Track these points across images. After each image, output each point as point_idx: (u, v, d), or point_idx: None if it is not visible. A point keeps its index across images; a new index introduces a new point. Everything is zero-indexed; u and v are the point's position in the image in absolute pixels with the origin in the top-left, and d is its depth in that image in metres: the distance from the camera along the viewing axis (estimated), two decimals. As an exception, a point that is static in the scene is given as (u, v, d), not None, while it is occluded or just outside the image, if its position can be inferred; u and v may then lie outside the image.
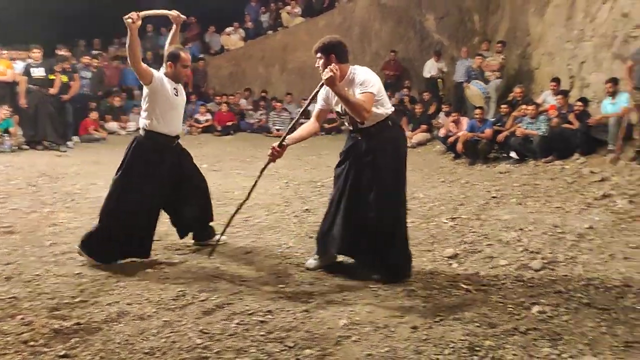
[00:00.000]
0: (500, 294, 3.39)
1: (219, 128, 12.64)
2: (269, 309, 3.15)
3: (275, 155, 3.81)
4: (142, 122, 3.96)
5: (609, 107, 7.26)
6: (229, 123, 12.84)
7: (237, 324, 2.95)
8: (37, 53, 9.77)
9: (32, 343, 2.68)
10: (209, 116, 13.04)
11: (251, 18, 15.77)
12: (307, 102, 3.88)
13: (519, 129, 7.92)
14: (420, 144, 10.24)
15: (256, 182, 3.99)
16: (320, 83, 3.54)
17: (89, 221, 4.98)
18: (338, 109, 3.71)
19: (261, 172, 3.96)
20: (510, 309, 3.16)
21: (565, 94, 8.14)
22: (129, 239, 3.86)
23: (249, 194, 4.03)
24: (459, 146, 8.45)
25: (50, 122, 9.77)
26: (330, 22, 14.00)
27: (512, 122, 8.46)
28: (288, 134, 3.84)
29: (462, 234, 4.69)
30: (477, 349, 2.69)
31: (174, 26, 4.22)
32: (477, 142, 8.28)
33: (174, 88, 3.94)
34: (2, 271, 3.65)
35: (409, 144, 10.05)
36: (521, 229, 4.71)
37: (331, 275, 3.73)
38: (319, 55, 3.62)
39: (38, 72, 9.69)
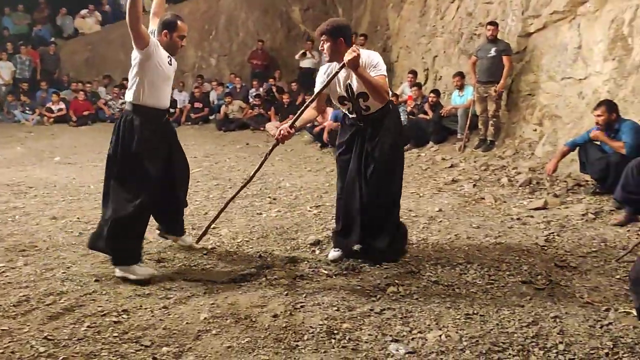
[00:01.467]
0: (359, 277, 3.54)
1: (74, 118, 11.77)
2: (124, 308, 3.00)
3: (285, 137, 3.57)
4: (130, 94, 3.50)
5: (457, 99, 7.88)
6: (86, 112, 12.03)
7: (88, 327, 2.77)
8: None
9: None
10: (62, 105, 12.10)
11: (109, 1, 14.83)
12: (323, 84, 3.57)
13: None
14: (288, 133, 10.34)
15: (261, 164, 3.79)
16: (340, 65, 3.40)
17: None
18: (342, 92, 3.60)
19: (267, 154, 3.76)
20: (368, 291, 3.30)
21: (419, 86, 8.68)
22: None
23: (252, 177, 3.89)
24: (325, 136, 8.67)
25: None
26: (195, 9, 13.62)
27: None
28: (298, 116, 3.62)
29: (326, 221, 4.82)
30: (335, 332, 2.78)
31: None
32: (341, 131, 8.54)
33: (168, 56, 3.53)
34: None
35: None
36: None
37: (193, 269, 3.65)
38: (324, 37, 3.49)
39: None
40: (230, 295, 3.22)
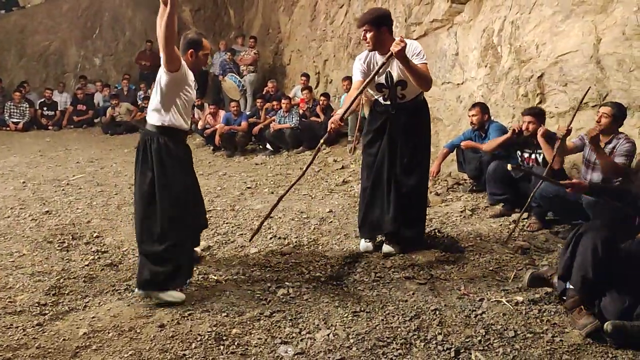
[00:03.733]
0: (249, 281, 3.52)
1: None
2: (-9, 328, 2.76)
3: (336, 129, 3.62)
4: (157, 117, 3.26)
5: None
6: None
7: (-52, 352, 2.52)
8: None
9: None
10: None
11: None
12: (371, 76, 3.50)
13: (273, 124, 8.32)
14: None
15: (314, 158, 3.78)
16: (388, 55, 3.37)
17: None
18: (382, 80, 3.62)
19: (318, 148, 3.72)
20: (258, 294, 3.29)
21: (310, 89, 8.81)
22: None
23: (304, 171, 3.79)
24: (217, 139, 8.54)
25: None
26: (76, 5, 12.87)
27: (265, 115, 8.86)
28: (348, 108, 3.58)
29: (217, 225, 4.74)
30: (224, 338, 2.75)
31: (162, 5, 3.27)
32: (234, 134, 8.47)
33: (192, 80, 3.34)
34: None
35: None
36: (271, 217, 4.95)
37: (73, 282, 3.43)
38: (365, 27, 3.46)
39: None
40: (114, 307, 3.07)
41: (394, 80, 3.67)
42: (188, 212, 3.34)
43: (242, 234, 4.50)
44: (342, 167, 6.85)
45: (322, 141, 3.71)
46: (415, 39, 7.08)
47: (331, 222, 4.79)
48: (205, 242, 4.24)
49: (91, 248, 4.11)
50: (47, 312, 2.99)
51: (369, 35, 3.54)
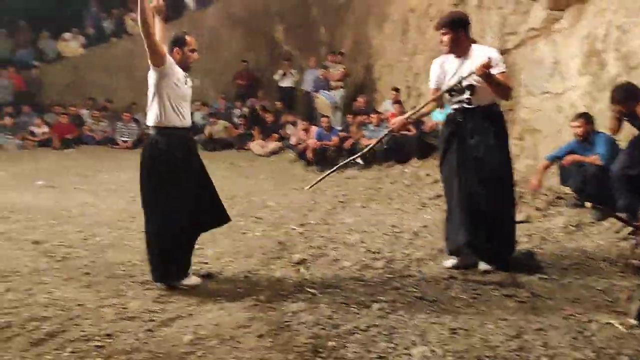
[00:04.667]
0: (344, 295, 3.54)
1: (57, 141, 11.70)
2: (108, 332, 2.97)
3: (400, 127, 3.79)
4: (152, 117, 3.50)
5: (439, 115, 7.96)
6: (69, 135, 11.95)
7: (71, 352, 2.74)
8: None
9: None
10: (46, 128, 12.04)
11: (92, 24, 14.84)
12: (451, 85, 3.60)
13: (363, 140, 8.36)
14: (273, 152, 10.38)
15: (377, 142, 4.00)
16: (469, 72, 3.44)
17: None
18: (451, 83, 3.62)
19: (380, 139, 4.14)
20: (353, 308, 3.31)
21: (400, 103, 8.78)
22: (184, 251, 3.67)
23: (368, 150, 4.14)
24: (309, 154, 8.72)
25: None
26: (178, 30, 13.63)
27: (357, 129, 8.93)
28: (418, 110, 3.75)
29: (310, 239, 4.83)
30: (320, 350, 2.78)
31: (157, 17, 3.73)
32: (325, 149, 8.61)
33: (185, 75, 3.56)
34: None
35: (261, 153, 10.23)
36: (364, 231, 4.97)
37: (178, 290, 3.63)
38: (444, 30, 3.48)
39: None
40: (216, 317, 3.20)
41: (463, 84, 3.61)
42: (182, 210, 3.52)
43: (335, 248, 4.55)
44: (435, 181, 6.73)
45: (384, 135, 3.93)
46: (511, 50, 6.88)
47: (425, 237, 4.72)
48: (299, 255, 4.33)
49: (194, 259, 4.30)
50: (155, 318, 3.18)
51: (446, 37, 3.55)
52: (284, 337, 2.93)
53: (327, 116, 9.34)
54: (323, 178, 4.04)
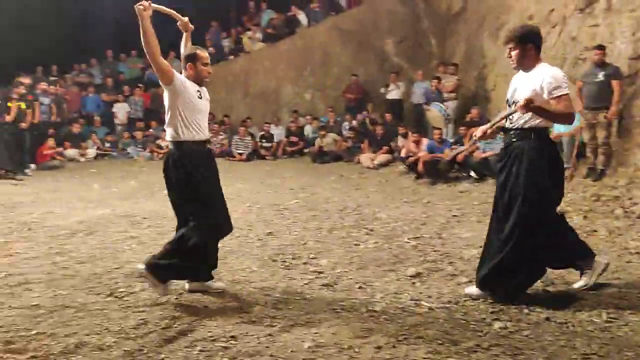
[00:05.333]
0: (462, 311, 3.44)
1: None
2: (232, 334, 3.11)
3: (483, 137, 3.67)
4: (170, 132, 3.62)
5: (562, 127, 7.52)
6: (191, 148, 12.75)
7: (200, 351, 2.90)
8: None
9: (-16, 379, 2.58)
10: (170, 141, 12.94)
11: (212, 43, 15.79)
12: (499, 118, 3.57)
13: (476, 153, 8.11)
14: (382, 165, 10.37)
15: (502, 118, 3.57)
16: (511, 110, 3.37)
17: (46, 251, 4.86)
18: (507, 96, 3.59)
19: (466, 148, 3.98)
20: (473, 325, 3.20)
21: (519, 114, 8.39)
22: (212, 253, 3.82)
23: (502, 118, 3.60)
24: (420, 167, 8.60)
25: (6, 150, 9.54)
26: (292, 47, 14.16)
27: (469, 142, 8.66)
28: (497, 122, 3.61)
29: (425, 253, 4.75)
30: (441, 366, 2.72)
31: (184, 34, 4.01)
32: (437, 162, 8.44)
33: (197, 90, 3.65)
34: (-47, 305, 3.51)
35: (370, 166, 10.26)
36: (481, 247, 4.77)
37: (296, 298, 3.72)
38: (511, 45, 3.40)
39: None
40: (333, 325, 3.24)
41: (512, 99, 3.47)
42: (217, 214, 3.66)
43: (451, 263, 4.44)
44: (557, 196, 6.35)
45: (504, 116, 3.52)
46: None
47: (549, 254, 4.45)
48: (414, 269, 4.27)
49: (309, 268, 4.41)
50: (275, 324, 3.27)
51: (513, 53, 3.42)
52: (402, 350, 2.89)
53: (439, 128, 9.18)
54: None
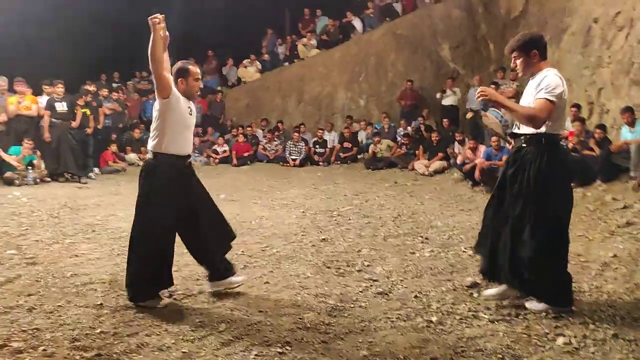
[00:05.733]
0: (524, 324, 3.32)
1: (235, 159, 12.77)
2: (287, 339, 3.12)
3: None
4: (152, 143, 3.63)
5: (628, 135, 7.19)
6: (246, 153, 12.97)
7: (256, 355, 2.92)
8: (60, 88, 10.05)
9: (52, 375, 2.69)
10: (226, 147, 13.21)
11: (268, 50, 16.06)
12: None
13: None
14: (437, 172, 10.20)
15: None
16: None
17: (109, 252, 5.04)
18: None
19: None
20: (535, 340, 3.09)
21: (582, 120, 8.08)
22: (161, 269, 3.68)
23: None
24: (477, 174, 8.41)
25: (72, 155, 9.98)
26: (346, 53, 14.19)
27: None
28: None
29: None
30: (501, 381, 2.63)
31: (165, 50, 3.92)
32: (494, 169, 8.22)
33: (188, 107, 3.70)
34: (25, 302, 3.67)
35: (425, 172, 10.11)
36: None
37: (350, 305, 3.69)
38: (515, 54, 3.46)
39: (61, 107, 9.96)
40: (388, 335, 3.20)
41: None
42: (163, 234, 3.58)
43: (511, 274, 4.29)
44: (625, 207, 6.04)
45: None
46: None
47: (616, 268, 4.25)
48: (471, 279, 4.16)
49: (363, 276, 4.38)
50: (330, 331, 3.26)
51: (518, 61, 3.49)
52: (461, 363, 2.82)
53: (497, 135, 8.93)
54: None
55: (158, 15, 3.49)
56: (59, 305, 3.63)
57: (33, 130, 10.03)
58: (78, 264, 4.67)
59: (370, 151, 11.91)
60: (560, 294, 3.45)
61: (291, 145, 12.91)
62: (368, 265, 4.65)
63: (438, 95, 12.17)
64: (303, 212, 7.07)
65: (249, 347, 3.03)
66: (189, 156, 3.77)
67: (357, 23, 14.58)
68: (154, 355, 2.92)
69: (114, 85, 14.61)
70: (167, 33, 3.65)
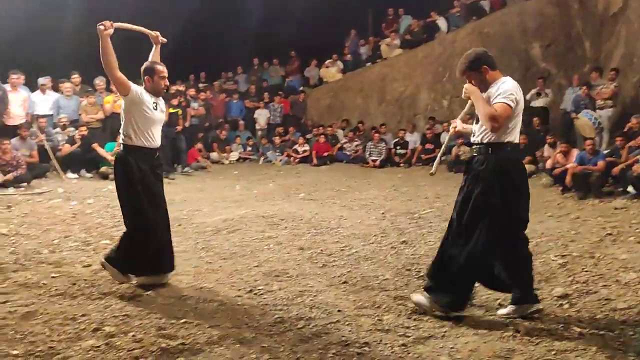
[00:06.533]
0: (620, 340, 3.09)
1: (315, 159, 12.88)
2: (365, 340, 3.09)
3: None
4: (121, 137, 3.96)
5: None
6: (326, 153, 13.05)
7: (334, 354, 2.91)
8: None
9: (141, 359, 2.81)
10: (307, 147, 13.35)
11: (350, 50, 16.06)
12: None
13: (636, 165, 7.30)
14: (525, 176, 9.75)
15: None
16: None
17: (193, 245, 5.23)
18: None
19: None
20: (631, 357, 2.87)
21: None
22: (153, 252, 3.94)
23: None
24: (568, 179, 7.95)
25: (163, 152, 10.50)
26: (430, 53, 13.91)
27: (627, 154, 7.85)
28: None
29: (574, 272, 4.36)
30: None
31: (154, 46, 4.27)
32: (588, 175, 7.75)
33: (154, 102, 3.95)
34: (118, 289, 3.88)
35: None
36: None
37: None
38: (466, 76, 3.55)
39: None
40: (471, 341, 3.08)
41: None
42: (144, 221, 3.85)
43: (606, 285, 4.02)
44: None
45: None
46: None
47: None
48: (561, 289, 3.94)
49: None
50: (410, 334, 3.19)
51: (473, 81, 3.49)
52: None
53: (591, 138, 8.42)
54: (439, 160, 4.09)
55: (105, 22, 3.74)
56: (147, 294, 3.80)
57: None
58: (165, 255, 4.87)
59: (453, 153, 11.61)
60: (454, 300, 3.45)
61: (371, 146, 12.85)
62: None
63: (528, 97, 11.62)
64: (383, 213, 6.99)
65: (327, 345, 3.02)
66: (157, 149, 4.06)
67: (442, 22, 14.25)
68: (234, 347, 2.98)
69: (201, 85, 15.19)
70: (157, 33, 4.21)
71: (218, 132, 13.69)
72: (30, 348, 2.89)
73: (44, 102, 10.71)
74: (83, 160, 10.15)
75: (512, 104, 3.28)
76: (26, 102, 10.04)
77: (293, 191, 8.95)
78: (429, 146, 12.49)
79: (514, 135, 3.42)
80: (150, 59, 4.19)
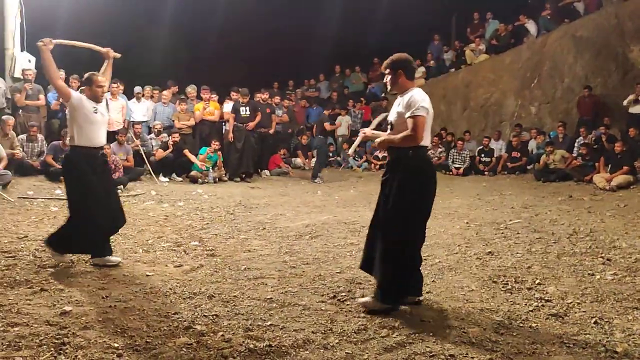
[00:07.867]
0: None
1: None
2: (451, 353, 3.02)
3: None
4: (69, 138, 4.55)
5: None
6: (408, 160, 12.92)
7: (419, 365, 2.88)
8: (245, 96, 11.03)
9: (230, 359, 2.91)
10: (386, 153, 13.29)
11: (433, 56, 15.84)
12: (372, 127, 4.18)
13: None
14: (621, 187, 9.17)
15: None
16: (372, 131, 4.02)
17: (277, 249, 5.35)
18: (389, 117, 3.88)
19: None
20: None
21: None
22: (87, 237, 4.47)
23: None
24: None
25: (252, 157, 10.91)
26: (517, 58, 13.43)
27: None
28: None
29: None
30: None
31: (106, 61, 4.87)
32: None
33: (94, 107, 4.52)
34: (207, 289, 4.05)
35: (606, 187, 9.15)
36: None
37: (519, 325, 3.47)
38: (387, 71, 3.79)
39: (244, 111, 10.92)
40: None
41: (390, 118, 3.78)
42: (90, 209, 4.40)
43: None
44: None
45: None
46: None
47: None
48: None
49: (534, 294, 4.08)
50: (497, 349, 3.09)
51: (387, 78, 3.79)
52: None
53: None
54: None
55: (45, 39, 4.38)
56: (234, 296, 3.93)
57: (215, 133, 11.10)
58: (250, 258, 5.03)
59: (541, 161, 11.13)
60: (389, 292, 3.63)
61: (454, 154, 12.58)
62: (539, 284, 4.34)
63: (625, 103, 10.93)
64: (467, 222, 6.83)
65: (411, 355, 2.99)
66: (101, 147, 4.63)
67: (531, 26, 13.70)
68: (319, 352, 3.01)
69: (286, 92, 15.56)
70: (107, 49, 4.88)
71: (299, 138, 13.94)
72: (130, 342, 3.07)
73: (140, 109, 11.39)
74: (174, 165, 10.68)
75: (426, 114, 3.53)
76: (124, 109, 10.74)
77: (374, 197, 8.90)
78: (515, 154, 12.05)
79: (427, 140, 3.71)
80: (101, 71, 4.80)
